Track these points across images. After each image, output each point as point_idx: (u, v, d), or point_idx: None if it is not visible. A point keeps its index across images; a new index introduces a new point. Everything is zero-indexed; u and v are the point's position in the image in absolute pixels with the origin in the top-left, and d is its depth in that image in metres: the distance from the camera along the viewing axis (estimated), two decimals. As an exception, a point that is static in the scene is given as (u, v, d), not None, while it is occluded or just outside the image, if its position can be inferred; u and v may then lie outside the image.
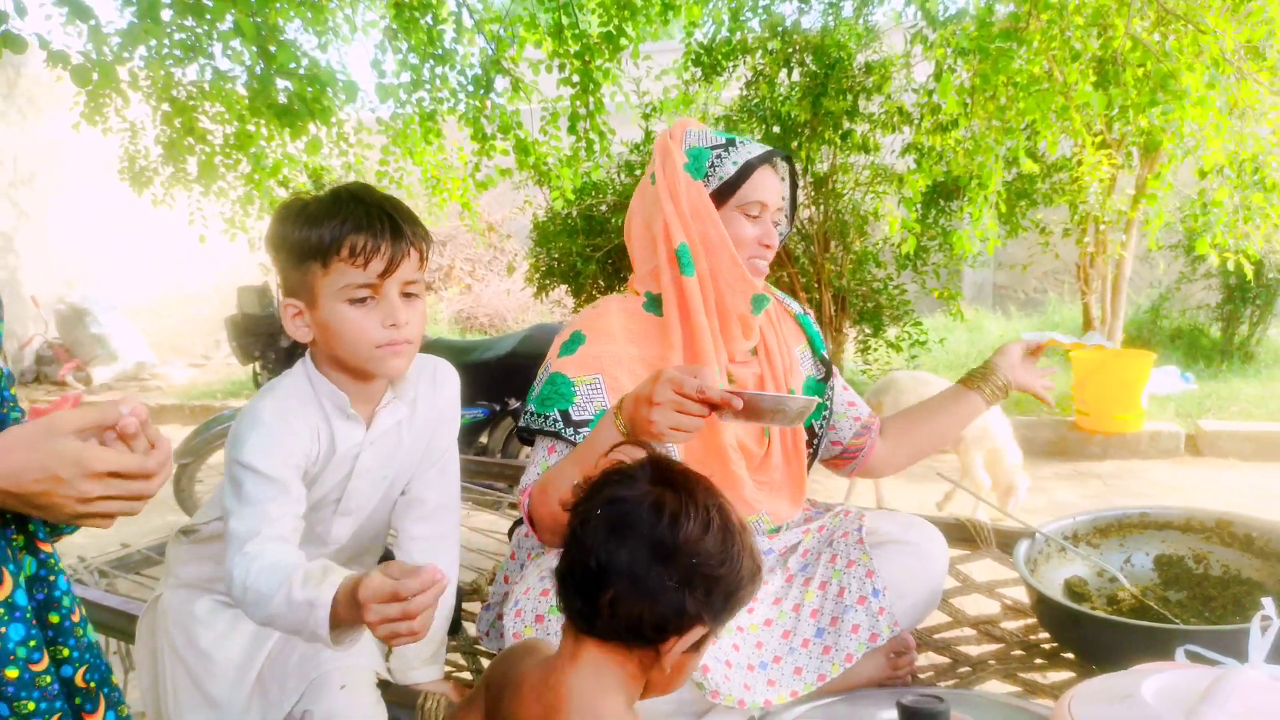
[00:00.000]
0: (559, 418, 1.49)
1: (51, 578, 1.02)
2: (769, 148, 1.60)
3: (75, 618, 1.03)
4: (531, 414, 1.53)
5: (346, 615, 1.05)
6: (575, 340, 1.55)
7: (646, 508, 0.99)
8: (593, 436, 1.37)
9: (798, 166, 5.35)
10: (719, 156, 1.56)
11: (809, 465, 1.76)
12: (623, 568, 0.97)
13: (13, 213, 7.93)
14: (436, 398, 1.46)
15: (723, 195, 1.56)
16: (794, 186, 1.69)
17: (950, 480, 1.93)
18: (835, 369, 1.84)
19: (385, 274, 1.27)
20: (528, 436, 1.55)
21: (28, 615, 0.95)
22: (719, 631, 1.03)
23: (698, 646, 1.01)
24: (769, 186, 1.57)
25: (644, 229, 1.61)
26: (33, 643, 0.95)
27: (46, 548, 1.02)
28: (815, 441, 1.77)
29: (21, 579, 0.96)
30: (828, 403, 1.77)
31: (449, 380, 1.48)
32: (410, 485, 1.48)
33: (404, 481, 1.48)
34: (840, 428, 1.79)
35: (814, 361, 1.79)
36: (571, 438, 1.47)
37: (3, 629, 0.93)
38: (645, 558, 0.97)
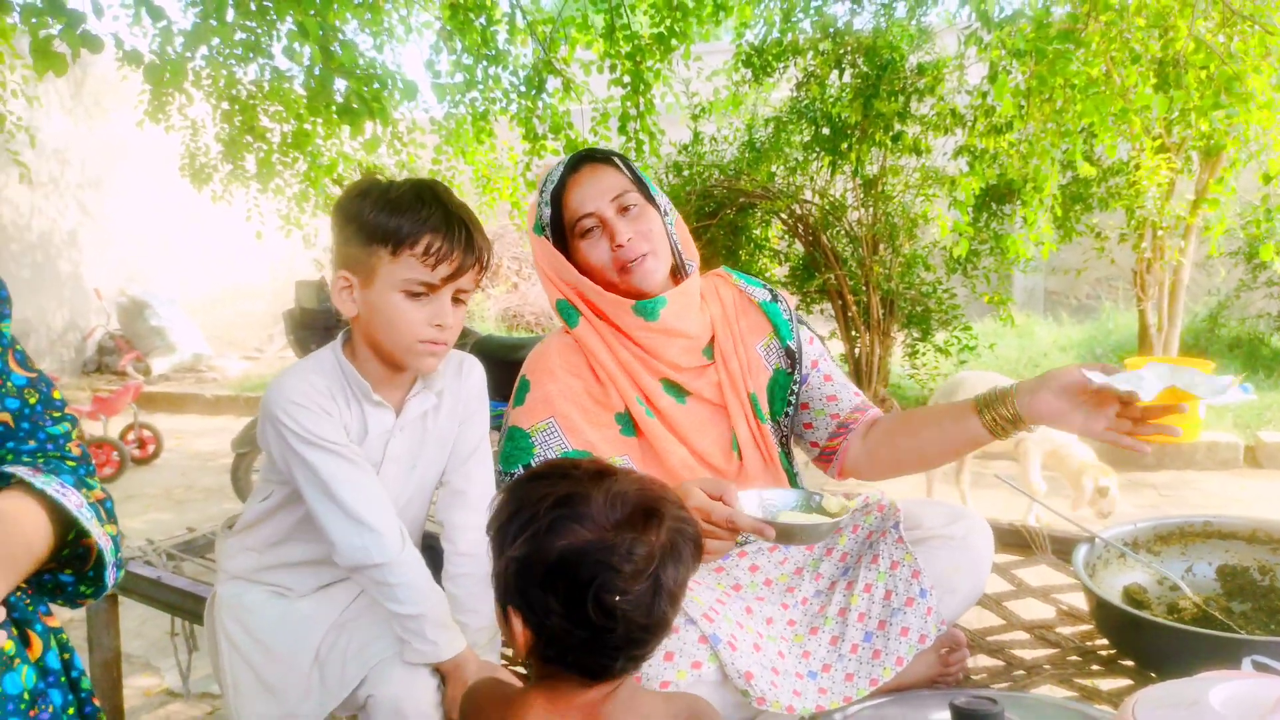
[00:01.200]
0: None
1: (66, 656, 1.02)
2: (566, 160, 1.57)
3: (96, 701, 1.05)
4: (500, 474, 1.57)
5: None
6: (522, 388, 1.57)
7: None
8: None
9: (846, 168, 5.38)
10: (539, 206, 1.59)
11: (790, 455, 1.69)
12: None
13: (78, 210, 8.18)
14: (462, 390, 1.50)
15: (559, 234, 1.56)
16: (629, 166, 1.58)
17: (1008, 483, 1.90)
18: (824, 355, 1.70)
19: (449, 279, 1.33)
20: None
21: (62, 680, 0.96)
22: None
23: None
24: (587, 195, 1.53)
25: None
26: (70, 710, 0.96)
27: (54, 622, 1.02)
28: (785, 440, 1.69)
29: (53, 642, 0.97)
30: (793, 389, 1.66)
31: (474, 373, 1.53)
32: (450, 478, 1.51)
33: (434, 472, 1.51)
34: (817, 426, 1.66)
35: (781, 352, 1.68)
36: None
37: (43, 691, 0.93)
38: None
